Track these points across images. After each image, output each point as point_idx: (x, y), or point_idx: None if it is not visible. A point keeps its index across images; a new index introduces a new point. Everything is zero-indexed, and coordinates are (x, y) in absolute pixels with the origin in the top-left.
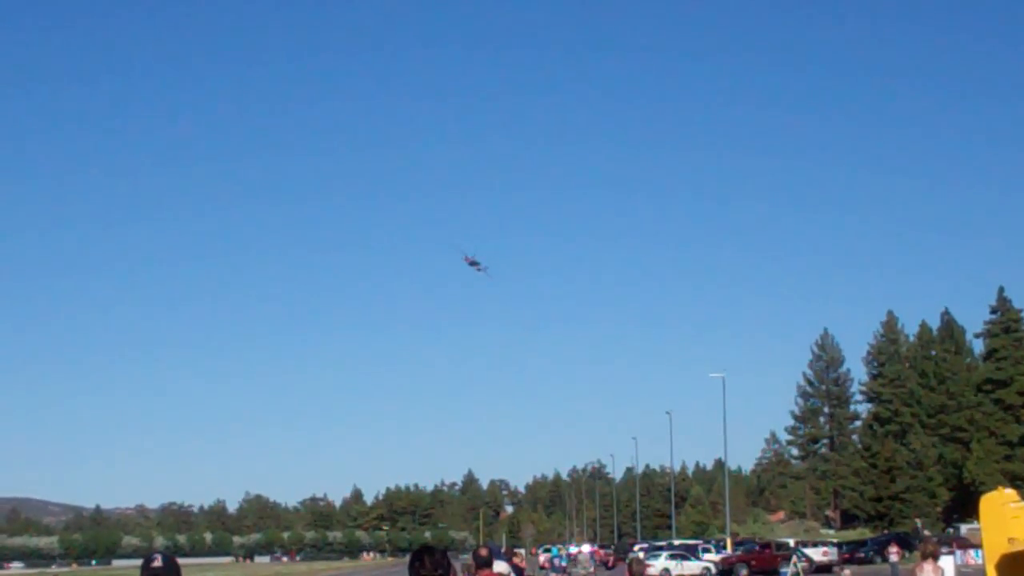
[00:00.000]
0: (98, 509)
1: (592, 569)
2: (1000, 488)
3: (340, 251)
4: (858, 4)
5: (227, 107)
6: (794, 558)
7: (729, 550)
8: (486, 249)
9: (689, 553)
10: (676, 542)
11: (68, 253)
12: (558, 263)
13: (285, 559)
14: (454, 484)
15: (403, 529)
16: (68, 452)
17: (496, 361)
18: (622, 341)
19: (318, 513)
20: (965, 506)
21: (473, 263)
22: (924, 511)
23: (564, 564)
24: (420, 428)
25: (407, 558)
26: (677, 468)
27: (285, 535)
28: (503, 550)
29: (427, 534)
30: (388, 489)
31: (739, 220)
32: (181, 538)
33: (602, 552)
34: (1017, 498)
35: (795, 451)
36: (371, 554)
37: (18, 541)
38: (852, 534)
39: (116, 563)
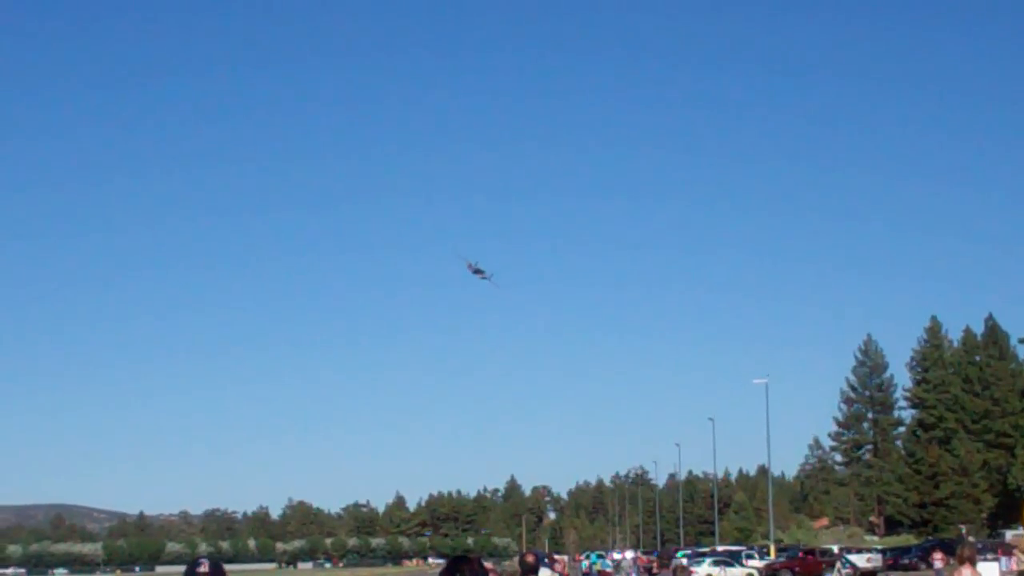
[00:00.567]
0: (142, 515)
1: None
2: None
3: (381, 255)
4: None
5: (228, 109)
6: (838, 564)
7: (773, 556)
8: (528, 256)
9: (733, 559)
10: (719, 548)
11: (104, 259)
12: (602, 269)
13: (328, 565)
14: (497, 490)
15: (446, 535)
16: (112, 458)
17: (539, 367)
18: (665, 347)
19: (361, 519)
20: (1010, 512)
21: (477, 271)
22: (968, 517)
23: (608, 570)
24: (463, 434)
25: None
26: (720, 474)
27: (328, 541)
28: (545, 556)
29: (470, 540)
30: (431, 495)
31: (783, 226)
32: (224, 544)
33: (645, 558)
34: None
35: (839, 457)
36: (414, 560)
37: (62, 547)
38: (896, 540)
39: (160, 569)
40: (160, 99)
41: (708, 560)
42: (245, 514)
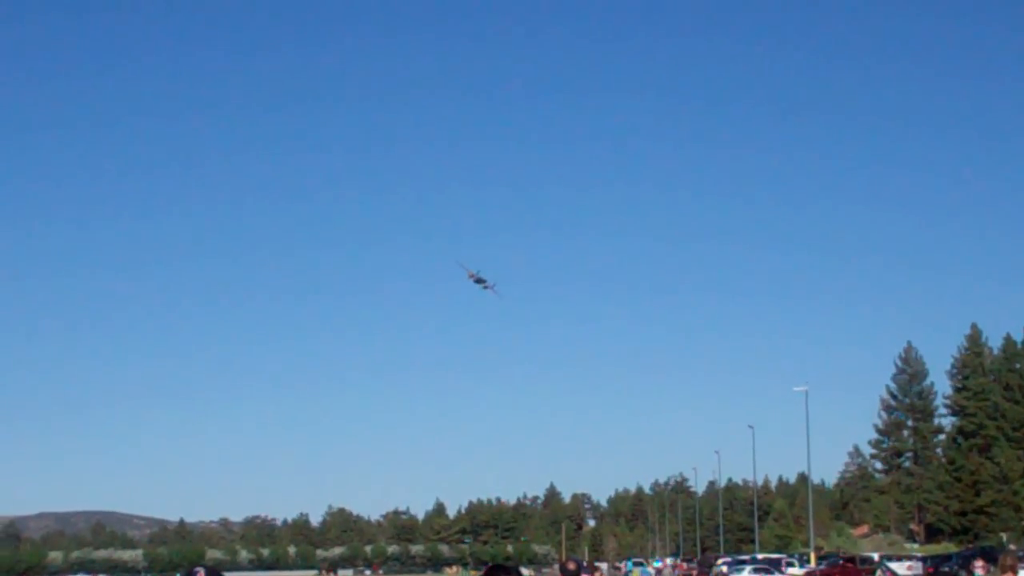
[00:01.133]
0: (182, 522)
1: None
2: None
3: (419, 264)
4: None
5: (229, 110)
6: (879, 572)
7: (813, 564)
8: (568, 263)
9: (773, 567)
10: (759, 556)
11: (142, 268)
12: (642, 275)
13: (368, 572)
14: (536, 497)
15: (485, 543)
16: (153, 466)
17: (578, 375)
18: (705, 354)
19: (401, 526)
20: None
21: (479, 280)
22: (1009, 525)
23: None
24: (502, 441)
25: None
26: (760, 482)
27: (368, 548)
28: (585, 563)
29: (509, 548)
30: (470, 502)
31: (822, 231)
32: (264, 551)
33: (685, 566)
34: None
35: (879, 465)
36: (454, 567)
37: (103, 554)
38: (937, 548)
39: None
40: (160, 98)
41: (748, 568)
42: (285, 521)
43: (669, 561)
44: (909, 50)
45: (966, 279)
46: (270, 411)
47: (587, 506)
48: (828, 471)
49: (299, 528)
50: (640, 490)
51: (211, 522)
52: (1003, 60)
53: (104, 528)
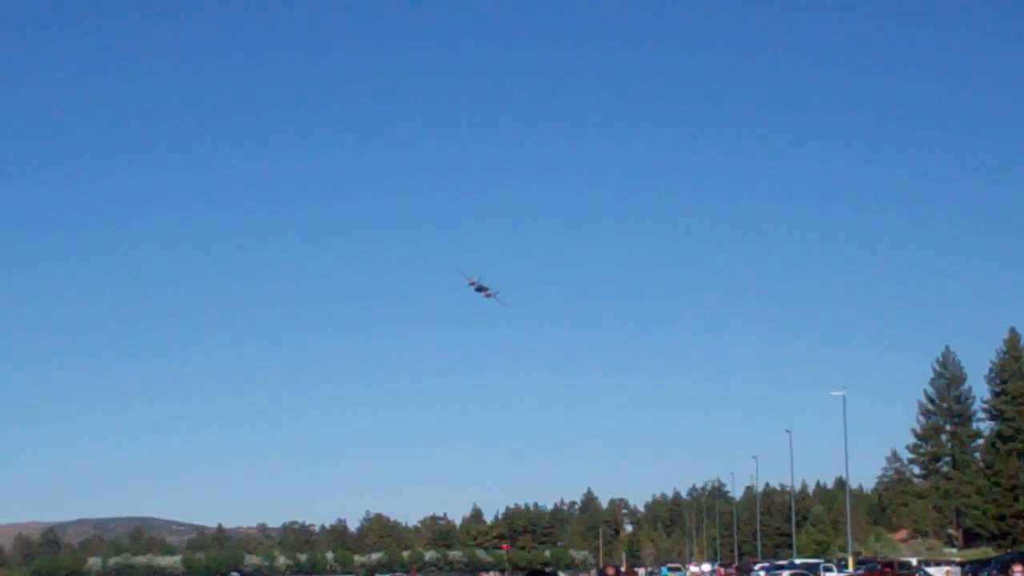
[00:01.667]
0: (220, 528)
1: None
2: None
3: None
4: None
5: (228, 112)
6: None
7: (851, 569)
8: (611, 267)
9: (811, 572)
10: (797, 561)
11: (183, 279)
12: (681, 280)
13: None
14: (574, 503)
15: (523, 548)
16: (191, 472)
17: (615, 380)
18: (742, 359)
19: (438, 532)
20: None
21: (480, 288)
22: None
23: None
24: (540, 446)
25: None
26: (797, 486)
27: (406, 554)
28: (623, 569)
29: (547, 553)
30: (508, 508)
31: (859, 236)
32: (302, 557)
33: (722, 571)
34: None
35: (917, 469)
36: (492, 573)
37: (142, 560)
38: (975, 553)
39: None
40: (160, 104)
41: (786, 572)
42: (323, 527)
43: (707, 567)
44: (941, 57)
45: (1004, 283)
46: (308, 417)
47: (624, 511)
48: (866, 476)
49: (337, 534)
50: (677, 495)
51: (249, 528)
52: None
53: (143, 534)
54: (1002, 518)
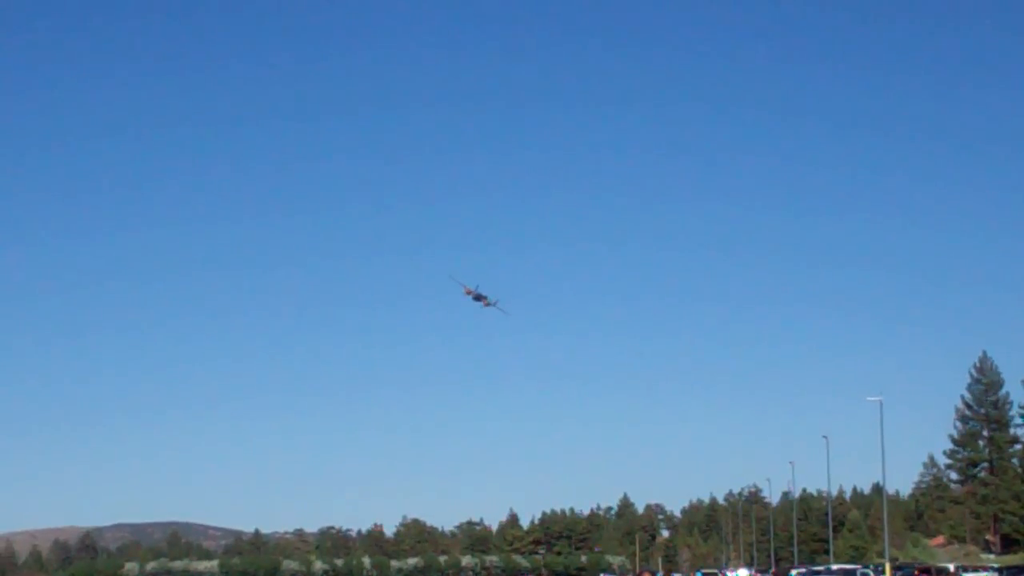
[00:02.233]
0: (257, 533)
1: None
2: None
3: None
4: None
5: (229, 114)
6: None
7: (888, 575)
8: (650, 271)
9: None
10: (834, 567)
11: (213, 284)
12: (718, 286)
13: None
14: (610, 508)
15: (559, 553)
16: (228, 477)
17: (652, 385)
18: (779, 365)
19: (475, 537)
20: None
21: (478, 297)
22: None
23: None
24: (576, 451)
25: None
26: (834, 492)
27: (442, 559)
28: (659, 574)
29: (583, 558)
30: (544, 513)
31: (897, 242)
32: (339, 562)
33: None
34: None
35: (954, 475)
36: None
37: (179, 565)
38: (1013, 559)
39: None
40: (161, 109)
41: None
42: (359, 532)
43: (744, 571)
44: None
45: None
46: (346, 422)
47: (661, 517)
48: (903, 481)
49: (373, 539)
50: (714, 500)
51: (286, 533)
52: None
53: (180, 539)
54: None
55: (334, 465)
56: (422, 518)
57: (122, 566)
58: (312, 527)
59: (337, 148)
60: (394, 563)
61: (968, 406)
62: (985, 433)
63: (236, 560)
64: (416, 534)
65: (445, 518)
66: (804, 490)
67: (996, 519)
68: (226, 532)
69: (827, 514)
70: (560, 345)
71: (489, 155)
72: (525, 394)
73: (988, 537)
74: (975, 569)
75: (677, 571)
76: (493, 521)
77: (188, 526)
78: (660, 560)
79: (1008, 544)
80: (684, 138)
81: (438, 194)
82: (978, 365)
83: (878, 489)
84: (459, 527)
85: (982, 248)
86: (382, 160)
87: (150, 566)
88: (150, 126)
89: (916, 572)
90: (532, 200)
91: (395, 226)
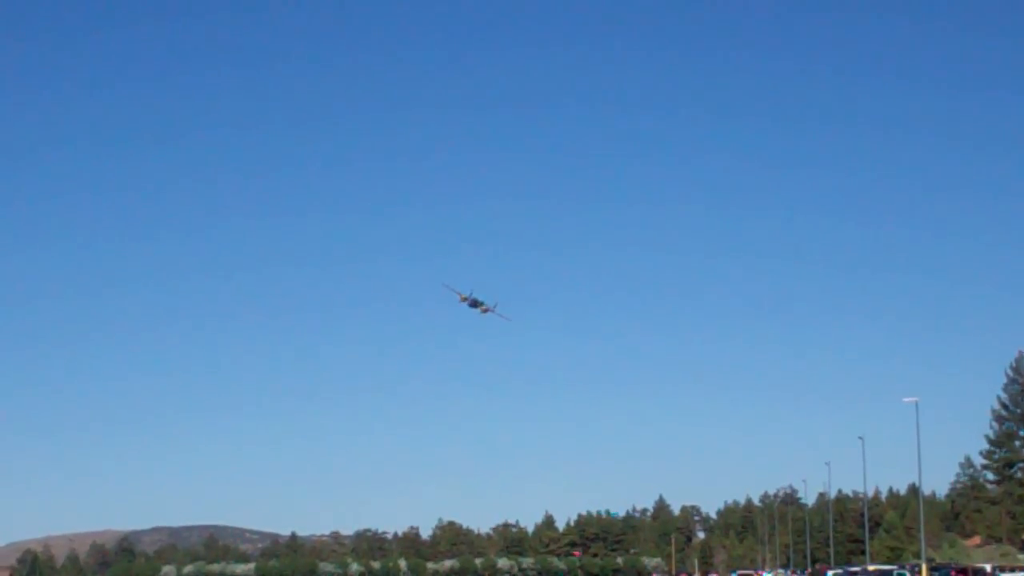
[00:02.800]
0: (293, 536)
1: None
2: None
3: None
4: None
5: (228, 116)
6: None
7: (925, 575)
8: (683, 275)
9: None
10: (871, 567)
11: (252, 288)
12: (757, 289)
13: None
14: (645, 510)
15: (595, 555)
16: (264, 480)
17: (687, 387)
18: (814, 367)
19: (511, 539)
20: None
21: (475, 303)
22: None
23: None
24: (611, 454)
25: None
26: (870, 493)
27: (478, 561)
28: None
29: (619, 560)
30: (579, 515)
31: (933, 245)
32: (375, 564)
33: None
34: None
35: (990, 475)
36: None
37: (215, 568)
38: None
39: None
40: (159, 109)
41: None
42: (396, 534)
43: (781, 572)
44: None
45: None
46: (382, 425)
47: (696, 518)
48: (939, 482)
49: (410, 541)
50: (749, 502)
51: (322, 535)
52: None
53: (216, 542)
54: None
55: (370, 467)
56: (458, 520)
57: (159, 569)
58: (348, 529)
59: (339, 151)
60: (430, 565)
61: (1004, 406)
62: (1021, 433)
63: (273, 563)
64: (452, 536)
65: (481, 520)
66: (840, 491)
67: None
68: (262, 535)
69: (863, 515)
70: (596, 348)
71: (489, 156)
72: (561, 396)
73: None
74: (1012, 569)
75: (713, 572)
76: (529, 523)
77: (225, 529)
78: (696, 561)
79: None
80: (731, 142)
81: (458, 199)
82: (1014, 365)
83: (914, 490)
84: (495, 529)
85: (1018, 250)
86: (383, 164)
87: (187, 569)
88: (146, 129)
89: (953, 573)
90: (566, 204)
91: (422, 227)
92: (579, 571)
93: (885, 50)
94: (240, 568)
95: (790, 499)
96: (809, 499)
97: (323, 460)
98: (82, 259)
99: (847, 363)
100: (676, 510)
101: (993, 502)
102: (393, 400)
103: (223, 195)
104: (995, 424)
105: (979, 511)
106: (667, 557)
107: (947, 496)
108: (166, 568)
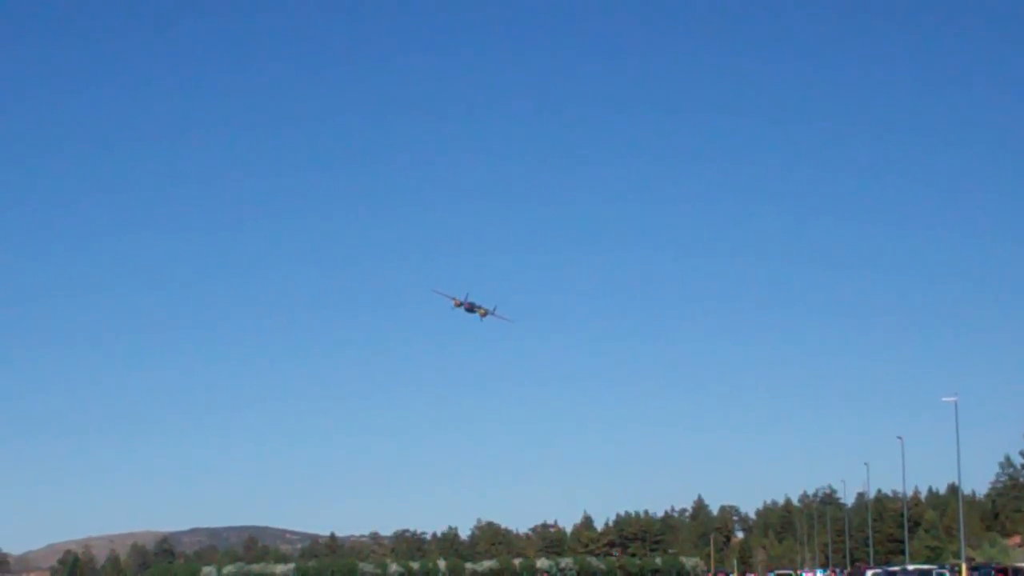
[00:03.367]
0: (333, 536)
1: None
2: None
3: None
4: None
5: (228, 118)
6: None
7: (965, 575)
8: (725, 279)
9: None
10: (910, 567)
11: (286, 291)
12: (794, 294)
13: None
14: (684, 510)
15: (634, 555)
16: (304, 481)
17: (727, 388)
18: (854, 367)
19: (549, 539)
20: None
21: (471, 308)
22: None
23: None
24: (650, 454)
25: None
26: (910, 493)
27: (517, 562)
28: None
29: (658, 560)
30: (618, 515)
31: (971, 245)
32: (415, 565)
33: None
34: None
35: None
36: None
37: (256, 568)
38: None
39: None
40: (159, 111)
41: None
42: (435, 535)
43: (820, 573)
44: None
45: None
46: (420, 425)
47: (735, 518)
48: (979, 481)
49: (449, 541)
50: (788, 502)
51: (362, 536)
52: None
53: (256, 542)
54: None
55: (409, 468)
56: (497, 520)
57: (199, 570)
58: (387, 530)
59: (339, 152)
60: (469, 565)
61: None
62: None
63: (312, 563)
64: (490, 536)
65: (520, 520)
66: (879, 491)
67: None
68: (302, 535)
69: (903, 515)
70: (635, 348)
71: (490, 158)
72: (600, 397)
73: None
74: None
75: (752, 572)
76: (567, 523)
77: (264, 530)
78: (735, 561)
79: None
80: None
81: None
82: None
83: (954, 489)
84: (533, 529)
85: None
86: (407, 163)
87: (227, 570)
88: (142, 131)
89: (993, 572)
90: (577, 206)
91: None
92: (618, 571)
93: (885, 50)
94: (280, 568)
95: (829, 499)
96: (848, 499)
97: (363, 461)
98: (100, 258)
99: (886, 363)
100: (715, 510)
101: None
102: (434, 401)
103: (223, 195)
104: None
105: (1019, 510)
106: (706, 557)
107: (987, 495)
108: (206, 569)
